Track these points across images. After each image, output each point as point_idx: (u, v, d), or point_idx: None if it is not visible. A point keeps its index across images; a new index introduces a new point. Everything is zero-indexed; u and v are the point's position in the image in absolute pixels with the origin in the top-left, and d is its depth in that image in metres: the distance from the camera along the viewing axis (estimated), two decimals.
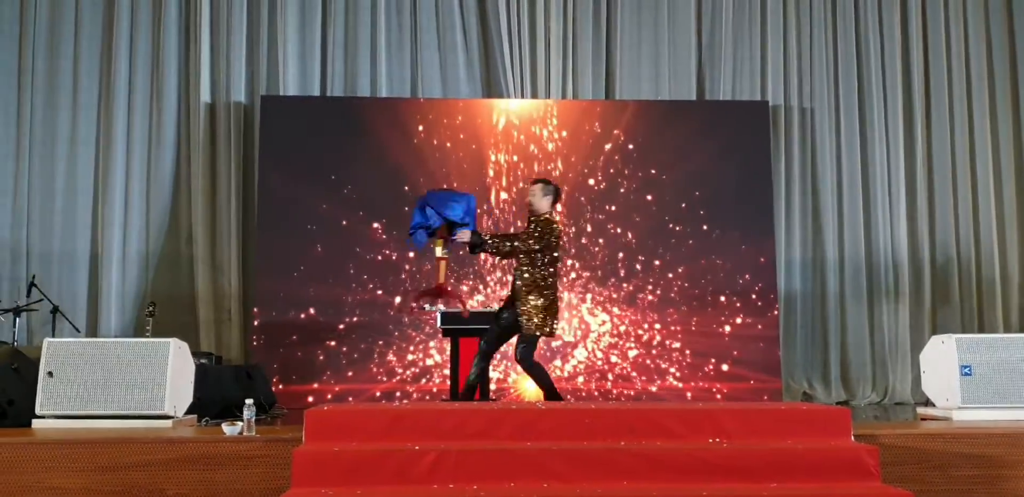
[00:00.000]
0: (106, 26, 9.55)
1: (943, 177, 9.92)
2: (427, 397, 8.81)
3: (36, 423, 5.31)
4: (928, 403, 6.31)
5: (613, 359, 9.08)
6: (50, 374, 5.36)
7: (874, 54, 9.97)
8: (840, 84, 9.95)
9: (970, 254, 9.83)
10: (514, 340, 5.99)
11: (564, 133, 9.40)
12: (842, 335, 9.68)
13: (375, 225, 9.12)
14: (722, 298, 9.18)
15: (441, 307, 7.22)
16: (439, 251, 6.08)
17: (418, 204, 6.06)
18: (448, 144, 9.32)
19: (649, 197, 9.34)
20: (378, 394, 8.83)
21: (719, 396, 8.98)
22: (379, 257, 9.10)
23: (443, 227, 6.01)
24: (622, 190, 9.34)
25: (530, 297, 5.89)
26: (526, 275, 5.92)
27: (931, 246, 9.84)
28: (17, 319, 8.16)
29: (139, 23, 9.53)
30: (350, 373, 8.87)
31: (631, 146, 9.40)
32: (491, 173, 9.32)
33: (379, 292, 9.05)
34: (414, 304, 6.34)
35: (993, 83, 10.08)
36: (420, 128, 9.31)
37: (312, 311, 8.96)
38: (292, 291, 8.96)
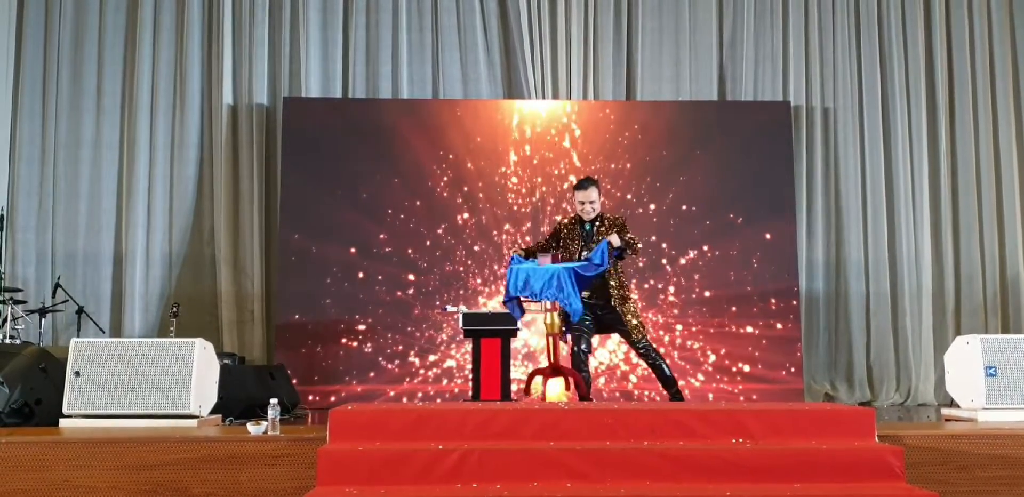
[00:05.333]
0: (129, 30, 9.63)
1: (967, 177, 9.84)
2: (448, 397, 8.83)
3: (63, 422, 5.36)
4: (952, 404, 6.27)
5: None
6: (77, 374, 5.40)
7: (897, 53, 9.90)
8: (863, 84, 9.88)
9: (994, 254, 9.74)
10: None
11: (585, 134, 9.39)
12: (865, 336, 9.61)
13: (397, 225, 9.15)
14: (744, 299, 9.15)
15: (463, 308, 7.22)
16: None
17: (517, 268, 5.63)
18: (469, 144, 9.34)
19: (670, 198, 9.33)
20: (400, 395, 8.86)
21: (741, 397, 8.95)
22: (401, 258, 9.13)
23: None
24: (643, 192, 9.33)
25: (630, 297, 5.94)
26: (621, 276, 5.95)
27: (954, 246, 9.77)
28: (43, 320, 8.25)
29: (162, 26, 9.61)
30: (372, 374, 8.90)
31: (652, 147, 9.38)
32: (511, 173, 9.33)
33: (399, 293, 9.08)
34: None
35: (1018, 81, 9.98)
36: (441, 129, 9.33)
37: (334, 312, 9.00)
38: (314, 292, 9.00)
